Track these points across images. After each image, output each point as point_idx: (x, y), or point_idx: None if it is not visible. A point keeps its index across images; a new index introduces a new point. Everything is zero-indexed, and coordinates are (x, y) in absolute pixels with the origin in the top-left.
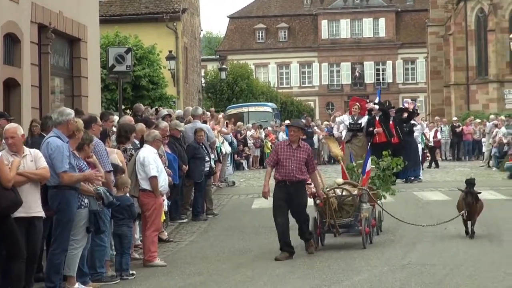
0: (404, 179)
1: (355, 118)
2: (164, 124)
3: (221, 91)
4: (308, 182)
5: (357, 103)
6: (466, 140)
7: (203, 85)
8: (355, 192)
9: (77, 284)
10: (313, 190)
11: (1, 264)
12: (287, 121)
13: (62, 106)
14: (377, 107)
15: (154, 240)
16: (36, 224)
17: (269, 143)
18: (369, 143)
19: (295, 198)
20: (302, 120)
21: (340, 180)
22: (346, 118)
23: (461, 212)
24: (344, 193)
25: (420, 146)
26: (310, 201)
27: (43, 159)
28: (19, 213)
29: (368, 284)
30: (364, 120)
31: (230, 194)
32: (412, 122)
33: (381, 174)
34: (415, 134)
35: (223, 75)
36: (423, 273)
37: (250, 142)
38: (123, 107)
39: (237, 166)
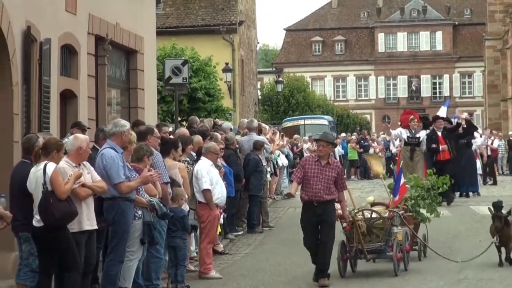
0: (460, 193)
1: (413, 131)
2: (219, 136)
3: (277, 104)
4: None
5: (413, 116)
6: None
7: (259, 97)
8: (386, 214)
9: None
10: (340, 212)
11: (56, 274)
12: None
13: (117, 118)
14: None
15: (209, 252)
16: (94, 235)
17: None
18: (433, 161)
19: (323, 219)
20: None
21: (371, 199)
22: (403, 132)
23: (493, 240)
24: (373, 216)
25: (478, 162)
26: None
27: (95, 172)
28: (86, 225)
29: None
30: (422, 134)
31: (286, 206)
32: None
33: (425, 195)
34: (474, 147)
35: (280, 87)
36: (480, 287)
37: (306, 155)
38: (179, 119)
39: None
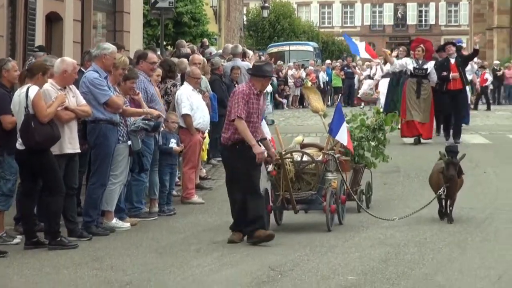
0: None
1: (420, 62)
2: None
3: (262, 30)
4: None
5: (421, 45)
6: (508, 84)
7: (245, 23)
8: (319, 158)
9: (114, 220)
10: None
11: (39, 197)
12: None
13: (102, 41)
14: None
15: (191, 177)
16: (76, 158)
17: (310, 83)
18: (442, 90)
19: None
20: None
21: (299, 139)
22: (409, 62)
23: (440, 191)
24: (304, 159)
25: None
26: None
27: (80, 95)
28: (68, 149)
29: (407, 226)
30: (430, 65)
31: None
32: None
33: (370, 136)
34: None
35: (265, 13)
36: (462, 216)
37: (290, 81)
38: (164, 43)
39: (277, 105)
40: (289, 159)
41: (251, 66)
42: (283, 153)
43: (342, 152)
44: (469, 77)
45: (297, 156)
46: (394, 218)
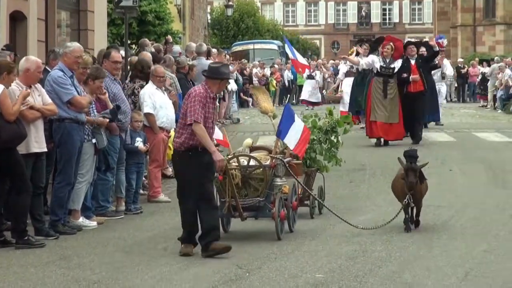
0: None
1: (387, 61)
2: (172, 59)
3: (227, 28)
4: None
5: (391, 43)
6: (472, 82)
7: (209, 21)
8: (267, 162)
9: (81, 218)
10: None
11: (5, 196)
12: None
13: (67, 40)
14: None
15: (157, 176)
16: (43, 157)
17: (274, 81)
18: (403, 92)
19: (212, 167)
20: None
21: (249, 141)
22: (376, 60)
23: (405, 200)
24: (251, 163)
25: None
26: None
27: (46, 95)
28: (34, 148)
29: (373, 223)
30: (397, 64)
31: (235, 131)
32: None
33: (323, 138)
34: (438, 74)
35: (229, 12)
36: (428, 214)
37: (255, 79)
38: (128, 42)
39: (242, 104)
40: (236, 165)
41: None
42: (230, 157)
43: (293, 155)
44: (450, 74)
45: (243, 160)
46: (359, 226)
